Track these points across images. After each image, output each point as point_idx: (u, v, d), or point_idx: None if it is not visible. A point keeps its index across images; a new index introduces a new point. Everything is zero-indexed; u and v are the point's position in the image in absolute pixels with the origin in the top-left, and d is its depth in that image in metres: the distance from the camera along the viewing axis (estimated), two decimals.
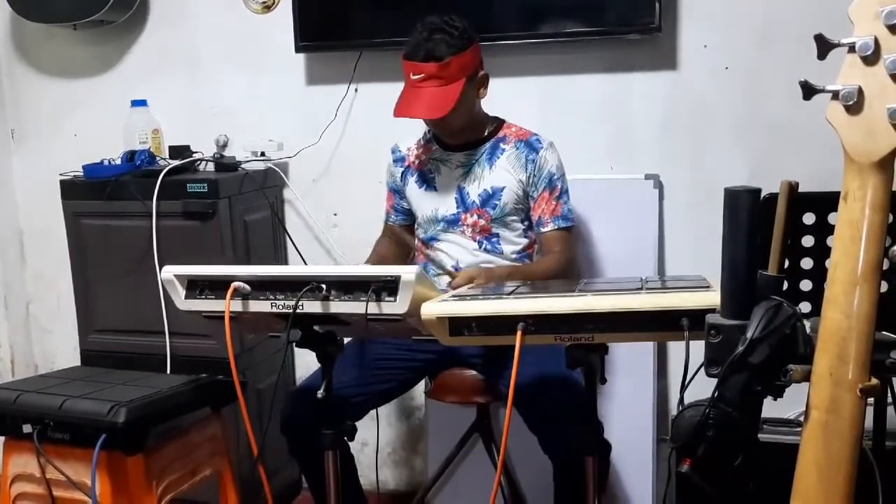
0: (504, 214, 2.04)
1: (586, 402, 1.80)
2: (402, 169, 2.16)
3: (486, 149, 2.07)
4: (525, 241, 2.08)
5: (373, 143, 2.31)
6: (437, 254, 2.08)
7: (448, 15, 1.95)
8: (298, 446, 1.91)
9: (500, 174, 2.04)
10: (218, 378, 2.08)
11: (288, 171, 2.63)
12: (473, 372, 2.01)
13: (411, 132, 2.18)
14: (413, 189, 2.13)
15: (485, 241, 2.05)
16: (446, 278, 2.05)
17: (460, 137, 2.07)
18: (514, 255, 2.06)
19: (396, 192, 2.19)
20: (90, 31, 2.69)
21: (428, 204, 2.10)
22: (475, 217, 2.05)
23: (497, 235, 2.05)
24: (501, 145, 2.06)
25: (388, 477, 2.71)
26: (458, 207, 2.06)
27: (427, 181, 2.11)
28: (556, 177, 2.03)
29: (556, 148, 2.06)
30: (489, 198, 2.04)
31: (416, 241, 2.18)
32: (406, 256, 2.23)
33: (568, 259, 2.04)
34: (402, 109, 1.94)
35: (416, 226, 2.17)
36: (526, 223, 2.08)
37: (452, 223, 2.07)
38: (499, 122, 2.10)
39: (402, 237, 2.22)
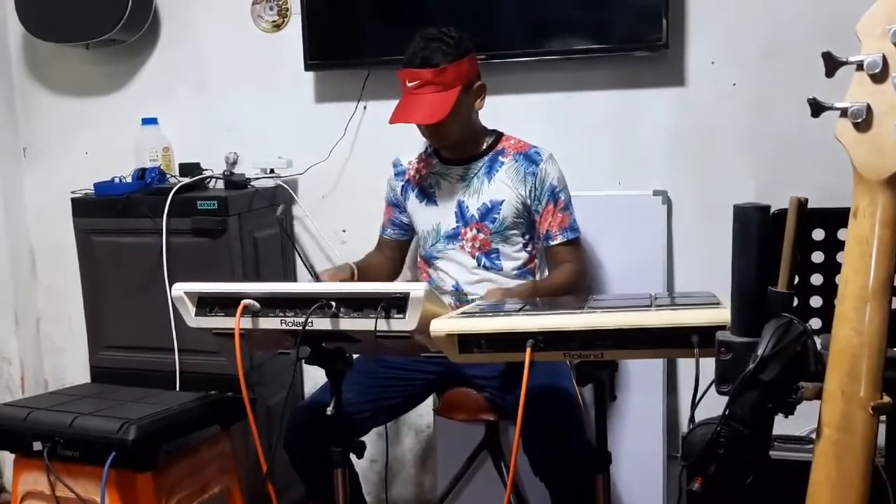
0: (503, 228, 2.03)
1: (575, 418, 1.79)
2: (402, 183, 2.16)
3: (485, 162, 2.06)
4: (525, 255, 2.06)
5: (381, 160, 2.31)
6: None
7: (445, 26, 1.96)
8: (303, 462, 1.90)
9: (499, 187, 2.03)
10: (227, 395, 2.08)
11: (297, 188, 2.64)
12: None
13: (417, 149, 2.19)
14: (414, 203, 2.13)
15: (484, 258, 2.04)
16: (448, 297, 2.05)
17: (458, 150, 2.07)
18: (514, 272, 2.05)
19: (396, 206, 2.19)
20: (102, 50, 2.72)
21: (428, 218, 2.10)
22: (474, 231, 2.04)
23: (497, 251, 2.04)
24: (500, 158, 2.05)
25: (397, 494, 2.70)
26: (457, 221, 2.06)
27: (427, 195, 2.11)
28: (558, 189, 2.02)
29: (555, 160, 2.04)
30: (488, 211, 2.03)
31: (419, 259, 2.19)
32: (395, 273, 2.24)
33: (580, 269, 2.07)
34: (398, 115, 1.93)
35: (418, 242, 2.17)
36: (526, 237, 2.06)
37: (452, 238, 2.06)
38: (497, 135, 2.09)
39: (395, 253, 2.22)
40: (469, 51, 1.96)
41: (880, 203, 0.88)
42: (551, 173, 2.02)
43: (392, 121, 1.93)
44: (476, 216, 2.04)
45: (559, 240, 2.03)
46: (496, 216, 2.02)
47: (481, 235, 2.04)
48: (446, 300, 2.04)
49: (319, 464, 1.74)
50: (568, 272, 2.03)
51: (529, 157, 2.03)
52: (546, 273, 2.11)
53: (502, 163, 2.05)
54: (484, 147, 2.07)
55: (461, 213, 2.06)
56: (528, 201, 2.02)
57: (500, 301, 1.82)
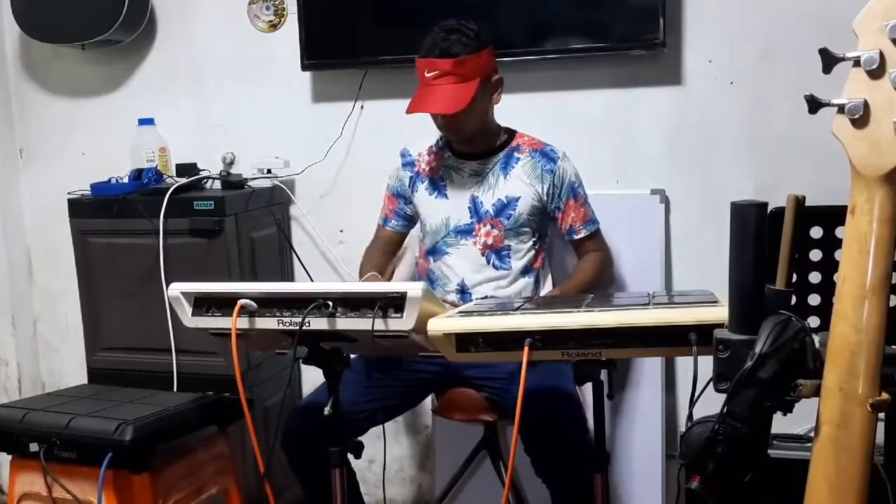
0: (518, 225, 2.03)
1: (577, 419, 1.79)
2: (411, 174, 2.14)
3: (500, 158, 2.06)
4: (532, 255, 2.07)
5: (379, 160, 2.31)
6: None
7: (463, 18, 1.95)
8: (301, 462, 1.89)
9: (516, 184, 2.03)
10: (224, 395, 2.08)
11: (294, 189, 2.64)
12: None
13: (416, 148, 2.18)
14: (423, 196, 2.11)
15: (493, 256, 2.04)
16: (452, 295, 2.05)
17: (473, 144, 2.06)
18: (520, 271, 2.05)
19: (401, 196, 2.17)
20: (98, 50, 2.71)
21: (438, 212, 2.08)
22: (488, 227, 2.04)
23: (508, 248, 2.04)
24: (516, 154, 2.05)
25: (396, 494, 2.70)
26: (471, 217, 2.05)
27: (438, 188, 2.10)
28: (576, 185, 2.06)
29: (568, 156, 2.07)
30: (504, 207, 2.03)
31: (418, 253, 2.18)
32: (390, 266, 2.23)
33: (606, 257, 2.15)
34: (416, 106, 1.92)
35: (421, 236, 2.17)
36: (535, 236, 2.07)
37: (465, 233, 2.05)
38: (511, 132, 2.10)
39: (393, 246, 2.22)
40: (488, 43, 1.96)
41: (878, 199, 0.88)
42: (569, 170, 2.05)
43: (409, 111, 1.92)
44: (491, 212, 2.03)
45: (583, 233, 2.08)
46: (511, 212, 2.02)
47: (495, 231, 2.03)
48: (450, 297, 2.04)
49: (317, 464, 1.74)
50: (595, 260, 2.10)
51: (546, 155, 2.04)
52: (552, 273, 2.13)
53: (518, 159, 2.05)
54: (498, 143, 2.08)
55: (475, 208, 2.05)
56: (546, 198, 2.04)
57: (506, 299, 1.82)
